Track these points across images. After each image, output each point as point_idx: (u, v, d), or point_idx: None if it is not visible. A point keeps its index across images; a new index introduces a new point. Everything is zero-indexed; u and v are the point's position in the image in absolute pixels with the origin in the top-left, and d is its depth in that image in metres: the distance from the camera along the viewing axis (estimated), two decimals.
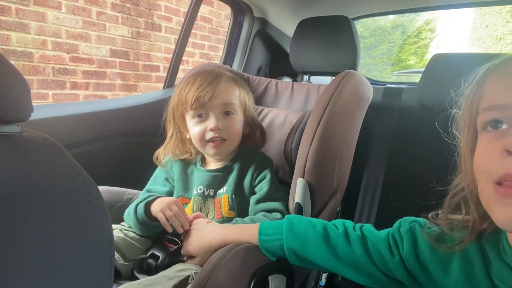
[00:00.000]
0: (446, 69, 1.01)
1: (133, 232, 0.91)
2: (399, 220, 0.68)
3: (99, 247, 0.38)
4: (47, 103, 2.41)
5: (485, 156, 0.47)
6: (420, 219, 0.65)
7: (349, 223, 0.74)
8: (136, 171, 1.11)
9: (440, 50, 8.10)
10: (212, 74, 0.95)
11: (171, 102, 0.99)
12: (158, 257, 0.86)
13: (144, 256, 0.89)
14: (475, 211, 0.53)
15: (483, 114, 0.48)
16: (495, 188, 0.44)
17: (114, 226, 0.91)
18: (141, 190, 0.99)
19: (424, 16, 7.77)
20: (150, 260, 0.86)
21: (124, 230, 0.92)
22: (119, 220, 0.97)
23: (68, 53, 2.49)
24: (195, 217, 0.86)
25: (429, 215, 0.61)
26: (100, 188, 0.99)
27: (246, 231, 0.80)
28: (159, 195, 0.91)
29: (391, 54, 8.01)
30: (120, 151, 1.23)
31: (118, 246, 0.86)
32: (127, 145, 1.24)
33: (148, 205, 0.86)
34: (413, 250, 0.61)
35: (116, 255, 0.84)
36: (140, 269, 0.87)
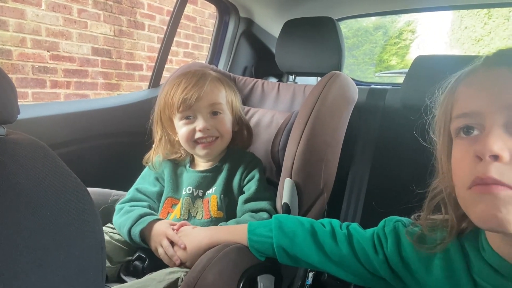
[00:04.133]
0: (429, 71, 1.03)
1: (119, 235, 0.90)
2: (384, 220, 0.69)
3: (91, 252, 0.37)
4: (27, 103, 2.35)
5: (460, 164, 0.49)
6: (404, 219, 0.66)
7: (336, 222, 0.75)
8: (122, 171, 1.10)
9: (421, 51, 8.27)
10: (197, 75, 0.95)
11: (157, 105, 0.98)
12: (145, 259, 0.85)
13: (130, 258, 0.88)
14: (453, 212, 0.54)
15: (455, 121, 0.50)
16: (471, 190, 0.45)
17: None
18: (127, 191, 0.97)
19: (405, 17, 7.92)
20: (137, 262, 0.86)
21: (110, 232, 0.91)
22: (105, 222, 0.96)
23: (48, 51, 2.43)
24: (181, 225, 0.85)
25: (411, 216, 0.62)
26: None
27: (235, 231, 0.80)
28: (150, 217, 0.87)
29: (373, 55, 8.14)
30: (105, 151, 1.21)
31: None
32: (112, 145, 1.22)
33: (142, 234, 0.84)
34: (396, 249, 0.63)
35: None
36: (127, 272, 0.87)
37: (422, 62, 1.21)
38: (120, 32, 2.92)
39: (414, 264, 0.61)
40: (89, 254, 0.37)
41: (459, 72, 0.53)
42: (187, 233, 0.83)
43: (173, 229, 0.84)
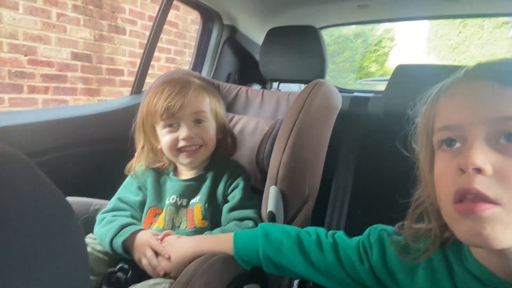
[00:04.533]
0: (410, 79, 1.06)
1: (101, 245, 0.88)
2: (369, 228, 0.69)
3: (77, 270, 0.36)
4: (4, 108, 2.28)
5: (443, 177, 0.49)
6: (389, 227, 0.67)
7: (321, 230, 0.75)
8: (104, 180, 1.07)
9: (399, 58, 8.47)
10: (180, 83, 0.94)
11: (139, 113, 0.97)
12: (128, 270, 0.83)
13: (113, 269, 0.86)
14: (436, 222, 0.55)
15: (438, 134, 0.50)
16: (455, 207, 0.45)
17: None
18: (109, 200, 0.95)
19: (384, 25, 8.11)
20: (120, 274, 0.83)
21: (92, 243, 0.88)
22: (86, 232, 0.93)
23: (25, 56, 2.37)
24: (165, 235, 0.84)
25: (396, 225, 0.63)
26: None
27: (221, 241, 0.79)
28: (133, 227, 0.85)
29: (353, 62, 8.29)
30: (86, 160, 1.18)
31: None
32: (93, 153, 1.20)
33: (125, 244, 0.82)
34: (381, 258, 0.63)
35: None
36: (109, 283, 0.84)
37: (403, 71, 1.24)
38: (101, 37, 2.88)
39: (399, 274, 0.61)
40: (74, 273, 0.36)
41: (440, 84, 0.53)
42: (171, 243, 0.81)
43: (157, 239, 0.82)
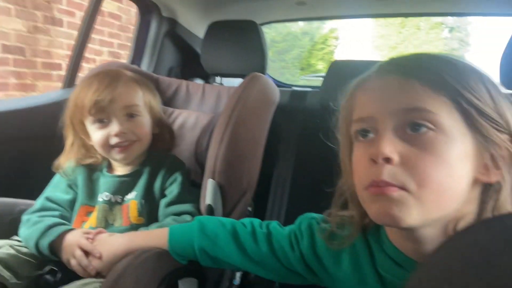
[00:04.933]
0: (344, 74, 1.09)
1: (26, 248, 0.82)
2: (299, 217, 0.72)
3: None
4: None
5: (358, 166, 0.52)
6: (319, 216, 0.69)
7: (256, 221, 0.76)
8: (30, 180, 1.00)
9: (345, 56, 8.81)
10: (109, 76, 0.90)
11: (67, 108, 0.91)
12: (57, 271, 0.79)
13: (40, 272, 0.81)
14: (356, 209, 0.58)
15: (354, 125, 0.53)
16: (368, 190, 0.49)
17: (3, 242, 0.82)
18: (35, 200, 0.90)
19: (329, 24, 8.38)
20: (48, 276, 0.79)
21: (16, 246, 0.83)
22: (11, 234, 0.87)
23: None
24: (97, 233, 0.80)
25: (324, 213, 0.66)
26: None
27: (154, 236, 0.78)
28: (61, 227, 0.81)
29: (301, 59, 8.48)
30: (12, 158, 1.10)
31: (9, 264, 0.77)
32: (19, 151, 1.11)
33: (52, 246, 0.78)
34: (311, 245, 0.66)
35: (7, 274, 0.76)
36: (37, 287, 0.80)
37: (338, 66, 1.29)
38: (35, 28, 2.69)
39: (326, 260, 0.64)
40: None
41: (358, 78, 0.56)
42: (103, 241, 0.78)
43: (88, 238, 0.79)
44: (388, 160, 0.46)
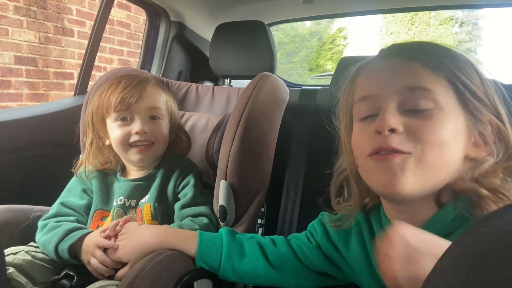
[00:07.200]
0: None
1: (43, 253, 0.83)
2: (312, 222, 0.77)
3: None
4: None
5: (360, 137, 0.56)
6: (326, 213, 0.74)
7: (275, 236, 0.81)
8: (45, 186, 1.01)
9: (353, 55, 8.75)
10: (138, 78, 0.93)
11: (89, 106, 0.93)
12: (73, 276, 0.79)
13: (57, 277, 0.81)
14: (356, 186, 0.63)
15: (357, 104, 0.58)
16: (372, 158, 0.52)
17: (20, 248, 0.83)
18: (51, 206, 0.90)
19: (337, 24, 8.34)
20: (64, 281, 0.80)
21: (32, 251, 0.83)
22: (27, 240, 0.88)
23: None
24: (126, 221, 0.79)
25: (332, 204, 0.70)
26: (2, 207, 0.89)
27: (184, 237, 0.77)
28: (80, 231, 0.81)
29: (310, 60, 8.46)
30: (26, 164, 1.11)
31: (25, 270, 0.78)
32: (33, 158, 1.13)
33: (72, 249, 0.78)
34: (324, 234, 0.71)
35: (23, 280, 0.76)
36: None
37: (346, 63, 1.27)
38: (46, 39, 2.74)
39: (338, 243, 0.68)
40: None
41: (359, 63, 0.61)
42: (132, 230, 0.78)
43: (116, 226, 0.78)
44: (393, 130, 0.50)
